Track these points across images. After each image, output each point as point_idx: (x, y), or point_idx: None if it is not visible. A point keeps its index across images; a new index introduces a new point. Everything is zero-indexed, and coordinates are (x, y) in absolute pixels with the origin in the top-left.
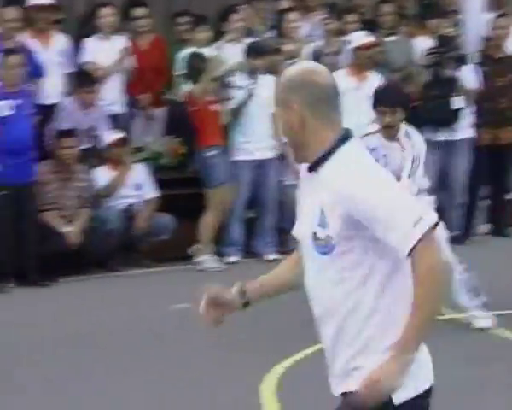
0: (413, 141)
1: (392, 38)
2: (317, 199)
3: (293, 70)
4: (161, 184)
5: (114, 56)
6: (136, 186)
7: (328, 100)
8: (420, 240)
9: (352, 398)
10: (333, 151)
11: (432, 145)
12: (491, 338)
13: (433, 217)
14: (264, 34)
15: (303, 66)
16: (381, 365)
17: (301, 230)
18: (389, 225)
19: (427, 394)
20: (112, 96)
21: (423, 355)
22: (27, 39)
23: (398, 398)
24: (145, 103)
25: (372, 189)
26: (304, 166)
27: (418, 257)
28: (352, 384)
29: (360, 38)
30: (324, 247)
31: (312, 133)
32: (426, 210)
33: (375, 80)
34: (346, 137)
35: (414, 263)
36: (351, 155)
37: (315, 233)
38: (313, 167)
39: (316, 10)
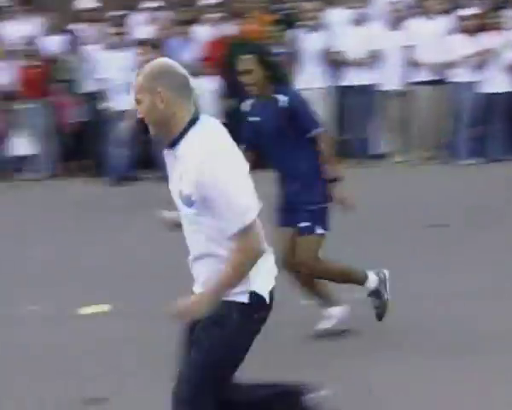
0: None
1: None
2: (177, 169)
3: (153, 64)
4: None
5: None
6: None
7: (183, 87)
8: (242, 229)
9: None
10: (185, 132)
11: None
12: None
13: (256, 208)
14: None
15: (161, 60)
16: (198, 296)
17: (172, 189)
18: (224, 209)
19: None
20: None
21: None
22: None
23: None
24: None
25: (217, 172)
26: (166, 144)
27: (238, 240)
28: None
29: None
30: (188, 200)
31: (173, 113)
32: (253, 201)
33: None
34: (195, 119)
35: (235, 242)
36: (201, 136)
37: (180, 191)
38: (172, 145)
39: None
